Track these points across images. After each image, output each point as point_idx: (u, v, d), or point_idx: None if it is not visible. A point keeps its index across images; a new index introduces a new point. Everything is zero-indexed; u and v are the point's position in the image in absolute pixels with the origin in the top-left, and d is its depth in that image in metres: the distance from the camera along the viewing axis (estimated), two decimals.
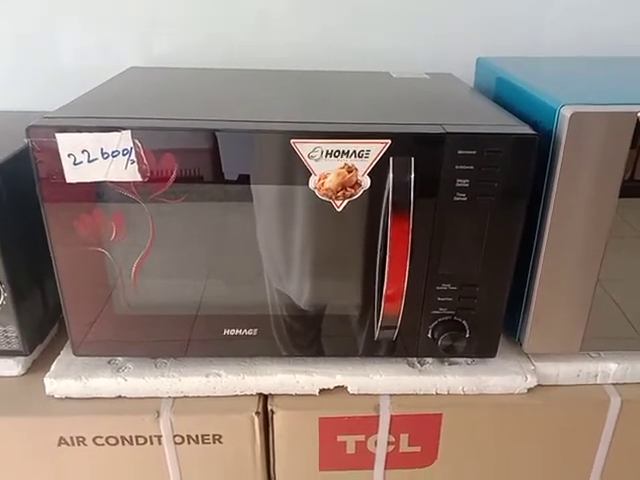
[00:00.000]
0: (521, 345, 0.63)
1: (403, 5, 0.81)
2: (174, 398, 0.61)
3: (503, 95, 0.68)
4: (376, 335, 0.59)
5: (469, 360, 0.63)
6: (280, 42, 0.82)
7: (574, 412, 0.62)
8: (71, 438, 0.60)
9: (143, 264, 0.56)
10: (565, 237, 0.56)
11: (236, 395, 0.61)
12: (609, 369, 0.63)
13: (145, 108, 0.57)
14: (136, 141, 0.50)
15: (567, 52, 0.81)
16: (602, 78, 0.69)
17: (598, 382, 0.63)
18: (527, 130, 0.53)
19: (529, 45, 0.82)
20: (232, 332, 0.59)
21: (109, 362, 0.62)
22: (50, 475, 0.62)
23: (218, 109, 0.58)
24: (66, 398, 0.60)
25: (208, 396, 0.61)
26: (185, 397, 0.61)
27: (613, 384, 0.63)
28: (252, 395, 0.61)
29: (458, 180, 0.53)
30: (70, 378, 0.60)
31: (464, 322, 0.59)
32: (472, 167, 0.52)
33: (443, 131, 0.51)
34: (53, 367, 0.61)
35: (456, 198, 0.53)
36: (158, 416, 0.59)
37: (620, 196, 0.54)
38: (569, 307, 0.60)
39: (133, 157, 0.50)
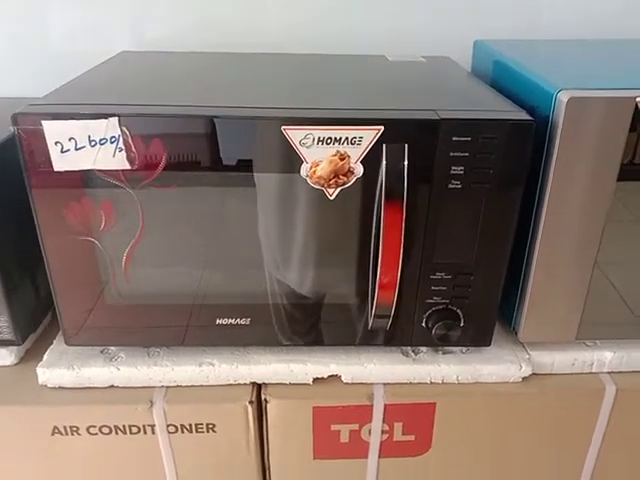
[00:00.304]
0: (516, 334, 0.62)
1: None
2: (167, 387, 0.60)
3: (500, 79, 0.67)
4: (370, 324, 0.59)
5: (464, 349, 0.63)
6: (275, 25, 0.80)
7: (569, 401, 0.62)
8: (64, 427, 0.60)
9: (134, 253, 0.55)
10: (561, 224, 0.55)
11: (230, 384, 0.60)
12: (604, 358, 0.62)
13: (133, 94, 0.56)
14: (124, 128, 0.49)
15: (566, 34, 0.79)
16: (601, 62, 0.68)
17: (593, 371, 0.63)
18: (523, 116, 0.52)
19: (528, 27, 0.80)
20: (225, 321, 0.59)
21: (102, 351, 0.62)
22: (44, 464, 0.62)
23: (207, 95, 0.57)
24: (59, 388, 0.60)
25: (201, 385, 0.61)
26: (178, 386, 0.61)
27: (608, 373, 0.63)
28: (246, 384, 0.61)
29: (453, 167, 0.52)
30: (63, 368, 0.60)
31: (458, 311, 0.59)
32: (467, 154, 0.51)
33: (437, 117, 0.50)
34: (46, 357, 0.61)
35: (450, 185, 0.52)
36: (151, 405, 0.59)
37: (618, 179, 0.53)
38: (565, 295, 0.59)
39: (121, 145, 0.49)
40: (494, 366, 0.61)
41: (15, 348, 0.62)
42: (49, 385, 0.60)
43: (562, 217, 0.55)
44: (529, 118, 0.51)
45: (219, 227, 0.55)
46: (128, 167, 0.50)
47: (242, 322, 0.59)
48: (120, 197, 0.52)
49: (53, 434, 0.60)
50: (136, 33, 0.80)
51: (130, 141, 0.49)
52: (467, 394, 0.61)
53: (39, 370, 0.60)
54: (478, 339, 0.61)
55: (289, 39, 0.79)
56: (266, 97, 0.57)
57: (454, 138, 0.50)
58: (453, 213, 0.54)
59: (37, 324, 0.65)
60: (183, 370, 0.60)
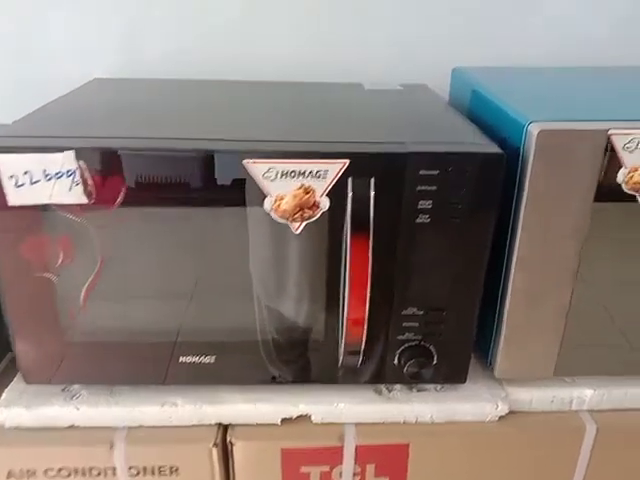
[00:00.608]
0: (493, 370, 0.60)
1: (380, 14, 0.78)
2: (129, 428, 0.58)
3: (476, 108, 0.66)
4: (340, 361, 0.56)
5: (438, 386, 0.60)
6: (251, 52, 0.79)
7: (548, 440, 0.60)
8: (20, 471, 0.57)
9: (92, 289, 0.53)
10: (535, 258, 0.54)
11: (194, 425, 0.58)
12: (584, 395, 0.60)
13: (93, 126, 0.55)
14: (80, 162, 0.47)
15: (550, 62, 0.78)
16: (579, 91, 0.67)
17: (573, 408, 0.61)
18: (493, 148, 0.50)
19: (509, 55, 0.79)
20: (188, 359, 0.56)
21: (63, 389, 0.59)
22: None
23: (169, 126, 0.56)
24: (17, 428, 0.57)
25: (165, 426, 0.58)
26: (141, 426, 0.58)
27: (589, 411, 0.61)
28: (211, 425, 0.58)
29: (421, 201, 0.50)
30: (21, 407, 0.57)
31: (431, 348, 0.57)
32: (435, 187, 0.50)
33: (404, 150, 0.49)
34: (4, 395, 0.59)
35: (419, 220, 0.51)
36: (112, 447, 0.56)
37: (593, 215, 0.52)
38: (541, 330, 0.57)
39: (78, 178, 0.48)
40: (469, 405, 0.59)
41: None
42: (7, 425, 0.57)
43: (536, 250, 0.53)
44: (499, 151, 0.50)
45: (181, 262, 0.53)
46: (85, 201, 0.49)
47: (206, 360, 0.57)
48: (78, 232, 0.50)
49: (8, 478, 0.57)
50: (113, 59, 0.79)
51: (87, 175, 0.48)
52: (442, 434, 0.59)
53: None
54: (452, 376, 0.59)
55: (266, 67, 0.79)
56: (229, 128, 0.56)
57: (421, 172, 0.49)
58: (422, 248, 0.52)
59: None
60: (145, 410, 0.57)
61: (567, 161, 0.49)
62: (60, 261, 0.51)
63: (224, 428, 0.58)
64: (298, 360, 0.58)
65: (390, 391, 0.60)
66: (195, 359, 0.56)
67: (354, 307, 0.52)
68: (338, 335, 0.55)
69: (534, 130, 0.49)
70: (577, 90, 0.68)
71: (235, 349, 0.57)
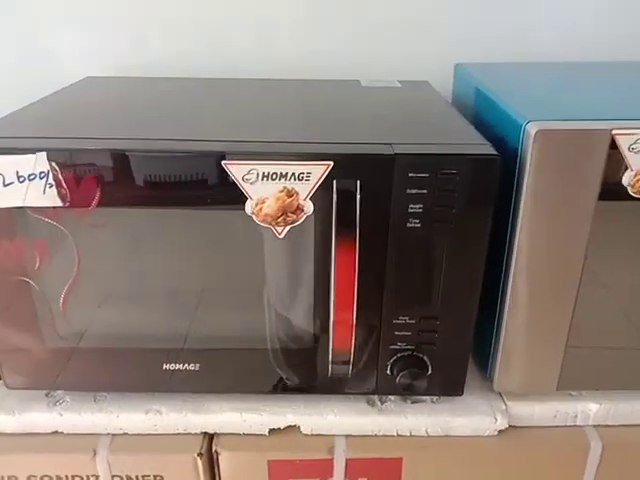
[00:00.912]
0: (492, 382, 0.57)
1: (383, 9, 0.75)
2: (113, 435, 0.56)
3: (478, 106, 0.63)
4: (330, 370, 0.54)
5: (434, 398, 0.58)
6: (249, 48, 0.77)
7: (550, 457, 0.56)
8: (2, 477, 0.56)
9: (71, 293, 0.51)
10: (536, 263, 0.51)
11: (179, 433, 0.56)
12: (589, 410, 0.57)
13: (70, 126, 0.53)
14: (53, 164, 0.46)
15: (555, 57, 0.74)
16: (582, 88, 0.63)
17: (578, 424, 0.57)
18: (487, 150, 0.47)
19: (514, 50, 0.76)
20: (172, 367, 0.55)
21: (47, 395, 0.58)
22: None
23: (149, 126, 0.54)
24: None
25: (149, 434, 0.56)
26: (125, 434, 0.56)
27: (594, 426, 0.57)
28: (197, 434, 0.56)
29: (410, 205, 0.47)
30: (3, 412, 0.56)
31: (425, 358, 0.54)
32: (425, 191, 0.47)
33: (391, 152, 0.46)
34: None
35: (409, 225, 0.48)
36: (95, 455, 0.55)
37: (595, 217, 0.48)
38: (543, 340, 0.54)
39: (51, 180, 0.46)
40: (467, 418, 0.56)
41: None
42: None
43: (536, 255, 0.50)
44: (493, 152, 0.47)
45: (160, 266, 0.52)
46: (60, 204, 0.47)
47: (191, 368, 0.55)
48: (54, 235, 0.49)
49: None
50: (111, 57, 0.77)
51: (60, 177, 0.46)
52: (437, 448, 0.56)
53: None
54: (448, 388, 0.56)
55: (270, 64, 0.76)
56: (211, 128, 0.54)
57: (410, 174, 0.46)
58: (414, 253, 0.49)
59: None
60: (129, 418, 0.56)
61: (567, 162, 0.46)
62: (37, 265, 0.50)
63: (210, 437, 0.56)
64: (286, 369, 0.55)
65: (383, 402, 0.57)
66: (180, 366, 0.55)
67: (340, 314, 0.50)
68: (327, 344, 0.53)
69: (532, 130, 0.46)
70: (581, 87, 0.64)
71: (220, 357, 0.55)
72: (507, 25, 0.75)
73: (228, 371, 0.55)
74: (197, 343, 0.54)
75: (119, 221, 0.49)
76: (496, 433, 0.56)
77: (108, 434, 0.56)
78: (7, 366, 0.55)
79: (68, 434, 0.57)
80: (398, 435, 0.56)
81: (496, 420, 0.56)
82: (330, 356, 0.53)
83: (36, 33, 0.76)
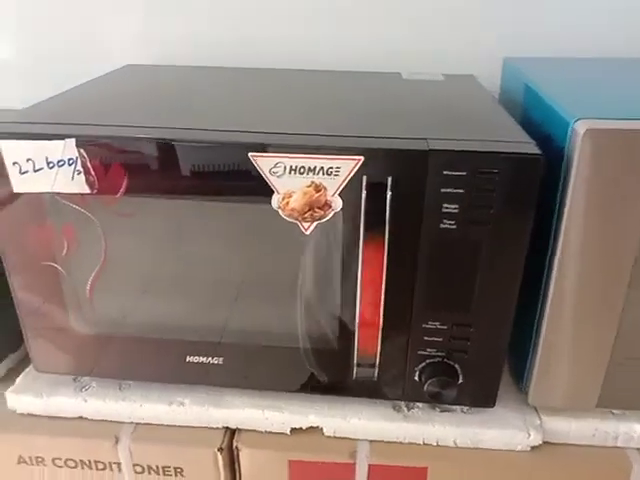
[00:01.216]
0: (527, 394, 0.54)
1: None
2: (136, 424, 0.56)
3: (526, 102, 0.59)
4: (354, 373, 0.52)
5: (465, 408, 0.55)
6: (288, 37, 0.75)
7: (587, 478, 0.53)
8: (30, 457, 0.57)
9: (98, 280, 0.51)
10: (579, 271, 0.47)
11: (202, 427, 0.56)
12: (633, 431, 0.53)
13: (101, 114, 0.53)
14: (81, 150, 0.45)
15: (608, 53, 0.69)
16: (634, 85, 0.58)
17: (619, 445, 0.53)
18: (530, 149, 0.44)
19: (567, 45, 0.71)
20: (196, 359, 0.54)
21: (74, 379, 0.59)
22: None
23: (178, 115, 0.53)
24: (28, 414, 0.57)
25: (172, 425, 0.56)
26: (148, 424, 0.56)
27: (637, 449, 0.53)
28: (219, 428, 0.56)
29: (445, 205, 0.45)
30: (31, 394, 0.57)
31: (456, 366, 0.51)
32: (462, 190, 0.44)
33: (425, 147, 0.44)
34: (17, 381, 0.59)
35: (443, 225, 0.46)
36: (117, 442, 0.55)
37: None
38: (584, 353, 0.50)
39: (79, 167, 0.46)
40: (498, 431, 0.53)
41: None
42: (18, 411, 0.57)
43: (580, 262, 0.47)
44: (536, 152, 0.43)
45: (185, 256, 0.51)
46: (88, 191, 0.47)
47: (214, 361, 0.54)
48: (82, 222, 0.49)
49: (19, 463, 0.57)
50: (147, 46, 0.77)
51: (88, 164, 0.46)
52: (465, 460, 0.53)
53: (8, 395, 0.57)
54: (479, 399, 0.53)
55: (307, 54, 0.74)
56: (239, 119, 0.52)
57: (445, 172, 0.44)
58: (447, 256, 0.47)
59: (16, 347, 0.63)
60: (152, 408, 0.56)
61: (618, 163, 0.42)
62: (65, 251, 0.50)
63: (232, 433, 0.56)
64: (310, 369, 0.54)
65: (410, 409, 0.55)
66: (203, 359, 0.54)
67: (366, 315, 0.48)
68: (353, 345, 0.51)
69: (580, 128, 0.42)
70: (634, 85, 0.59)
71: (244, 353, 0.54)
72: (559, 19, 0.71)
73: (253, 367, 0.54)
74: (222, 336, 0.53)
75: (146, 210, 0.48)
76: (529, 448, 0.53)
77: (131, 423, 0.56)
78: (36, 350, 0.56)
79: (92, 420, 0.57)
80: (424, 444, 0.54)
81: (529, 435, 0.53)
82: (355, 358, 0.51)
83: (83, 17, 0.77)
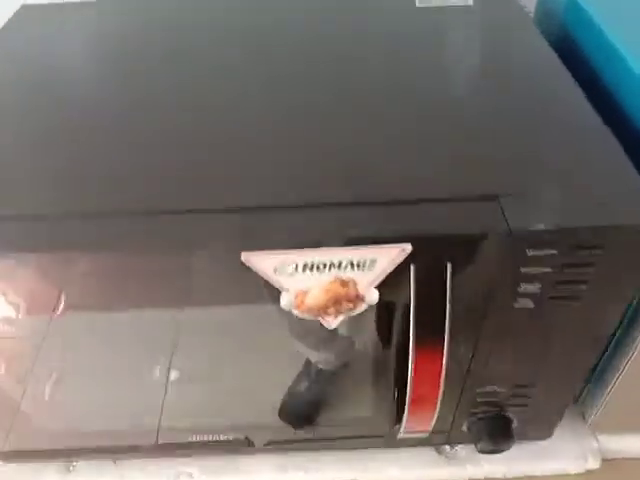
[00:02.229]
0: (584, 417, 0.47)
1: None
2: None
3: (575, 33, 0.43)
4: (400, 436, 0.43)
5: None
6: None
7: None
8: None
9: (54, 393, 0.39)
10: None
11: None
12: None
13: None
14: None
15: None
16: None
17: None
18: None
19: None
20: (200, 438, 0.44)
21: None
22: None
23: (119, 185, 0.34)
24: None
25: None
26: None
27: None
28: None
29: (523, 284, 0.32)
30: None
31: (513, 417, 0.43)
32: (549, 269, 0.31)
33: (502, 226, 0.30)
34: None
35: (517, 305, 0.34)
36: None
37: None
38: None
39: None
40: (552, 463, 0.47)
41: None
42: None
43: None
44: None
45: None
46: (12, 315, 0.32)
47: (223, 438, 0.44)
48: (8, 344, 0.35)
49: None
50: None
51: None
52: None
53: None
54: (535, 435, 0.46)
55: None
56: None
57: (530, 252, 0.30)
58: (516, 335, 0.36)
59: None
60: None
61: None
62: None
63: None
64: (340, 430, 0.45)
65: (452, 447, 0.48)
66: (209, 437, 0.44)
67: (418, 402, 0.38)
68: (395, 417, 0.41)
69: None
70: None
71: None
72: None
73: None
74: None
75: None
76: (584, 471, 0.48)
77: None
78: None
79: None
80: None
81: (587, 460, 0.47)
82: (402, 430, 0.42)
83: None
